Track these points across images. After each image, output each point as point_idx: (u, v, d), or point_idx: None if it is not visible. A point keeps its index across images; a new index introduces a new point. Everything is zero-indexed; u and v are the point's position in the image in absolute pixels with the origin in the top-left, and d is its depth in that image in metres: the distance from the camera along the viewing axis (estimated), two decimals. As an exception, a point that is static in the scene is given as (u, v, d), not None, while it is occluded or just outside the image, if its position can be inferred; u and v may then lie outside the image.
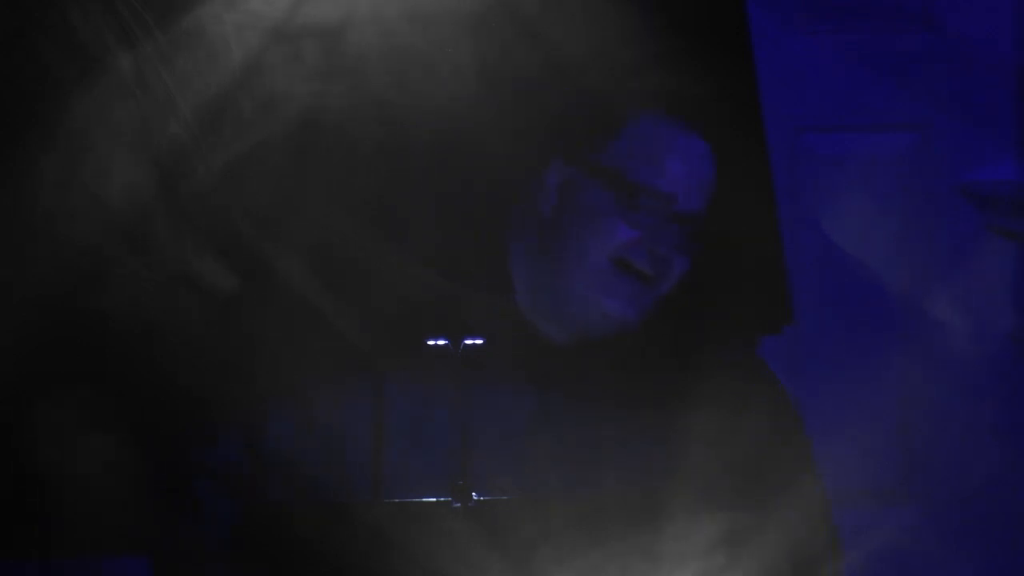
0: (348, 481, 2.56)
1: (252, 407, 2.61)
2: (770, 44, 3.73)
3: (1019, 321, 3.76)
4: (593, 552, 2.54)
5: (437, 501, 2.56)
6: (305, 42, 2.73)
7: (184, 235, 2.72)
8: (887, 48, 3.80)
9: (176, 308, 2.72)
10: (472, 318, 2.62)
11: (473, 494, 2.56)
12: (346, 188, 2.72)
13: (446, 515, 2.55)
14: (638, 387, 2.64)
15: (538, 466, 2.58)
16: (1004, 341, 3.77)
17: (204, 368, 2.64)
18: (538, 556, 2.54)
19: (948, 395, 3.80)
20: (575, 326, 2.59)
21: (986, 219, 3.79)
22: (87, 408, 2.77)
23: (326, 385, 2.61)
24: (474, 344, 2.62)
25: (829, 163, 3.82)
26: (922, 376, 3.80)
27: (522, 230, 2.63)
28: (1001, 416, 3.80)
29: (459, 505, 2.55)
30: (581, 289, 2.54)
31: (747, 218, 2.93)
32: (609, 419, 2.62)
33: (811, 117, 3.82)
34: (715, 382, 2.61)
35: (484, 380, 2.61)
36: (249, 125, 2.73)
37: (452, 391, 2.60)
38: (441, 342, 2.62)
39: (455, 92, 2.64)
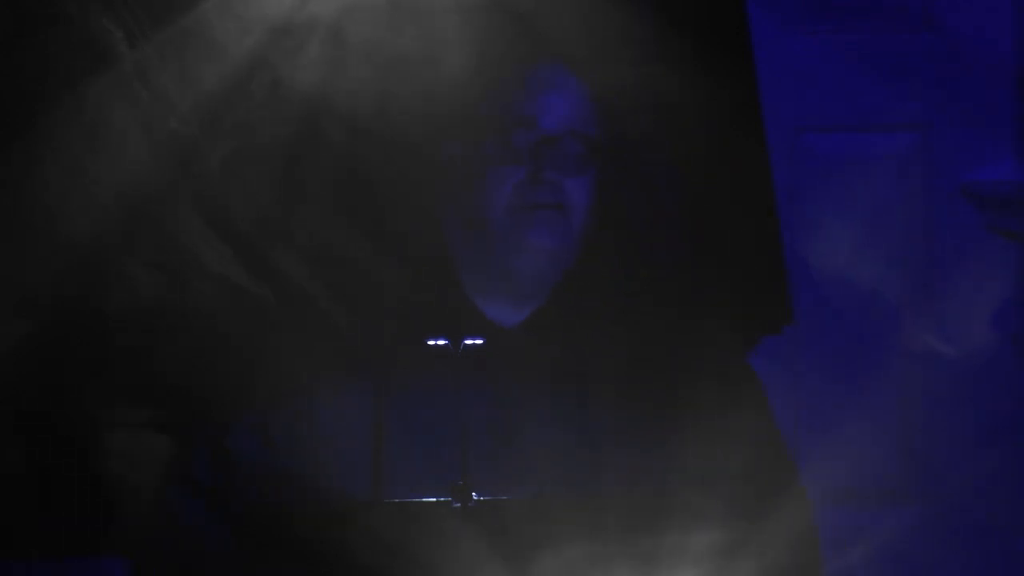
0: (348, 481, 2.56)
1: (252, 407, 2.61)
2: (770, 44, 3.72)
3: (1020, 321, 3.75)
4: (592, 552, 2.53)
5: (437, 501, 2.56)
6: (300, 38, 2.73)
7: (185, 234, 2.72)
8: (887, 48, 3.80)
9: (175, 308, 2.71)
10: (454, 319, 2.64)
11: (473, 494, 2.56)
12: (343, 187, 2.72)
13: (446, 515, 2.55)
14: (636, 389, 2.64)
15: (538, 466, 2.58)
16: (1004, 341, 3.77)
17: (203, 368, 2.64)
18: (538, 556, 2.54)
19: (948, 395, 3.79)
20: (513, 285, 2.62)
21: (986, 219, 3.78)
22: (81, 408, 2.77)
23: (326, 385, 2.61)
24: (474, 344, 2.62)
25: (829, 163, 3.82)
26: (922, 376, 3.80)
27: (449, 218, 2.66)
28: (1001, 416, 3.80)
29: (459, 505, 2.55)
30: (502, 242, 2.58)
31: (747, 218, 2.93)
32: (606, 421, 2.62)
33: (811, 117, 3.82)
34: (705, 387, 2.62)
35: (484, 379, 2.62)
36: (248, 124, 2.73)
37: (452, 391, 2.61)
38: (441, 342, 2.62)
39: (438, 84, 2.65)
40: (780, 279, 3.16)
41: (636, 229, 2.76)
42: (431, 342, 2.62)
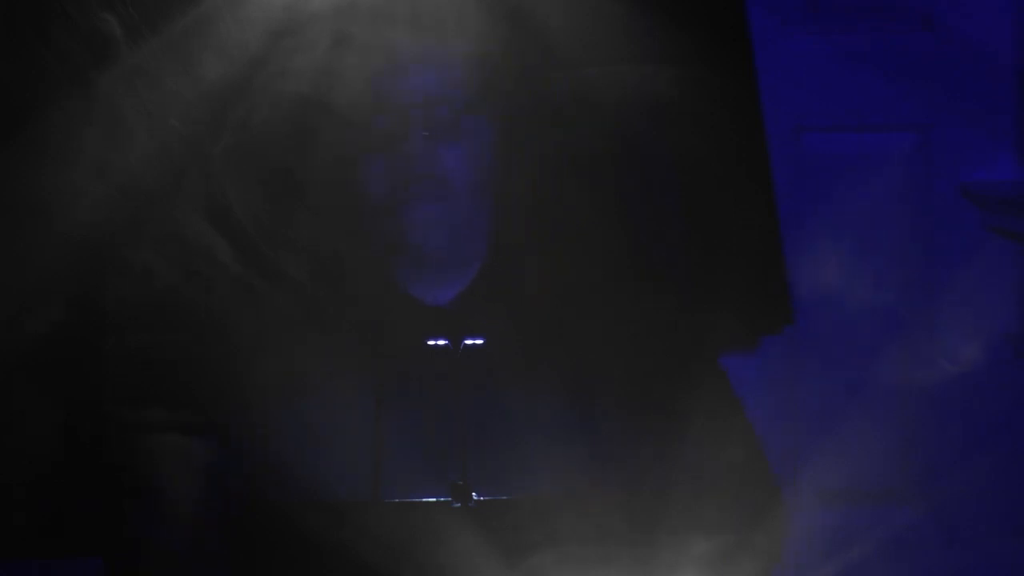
0: (348, 481, 2.56)
1: (252, 406, 2.61)
2: (770, 44, 3.72)
3: (1019, 321, 3.75)
4: (592, 552, 2.53)
5: (437, 501, 2.56)
6: (300, 36, 2.73)
7: (186, 229, 2.71)
8: (887, 48, 3.80)
9: (175, 305, 2.71)
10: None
11: (473, 494, 2.56)
12: (344, 184, 2.72)
13: (446, 515, 2.55)
14: (634, 389, 2.64)
15: (537, 466, 2.58)
16: (1004, 341, 3.77)
17: (204, 366, 2.63)
18: (537, 555, 2.54)
19: (948, 395, 3.79)
20: (422, 261, 2.63)
21: (986, 219, 3.78)
22: (73, 406, 2.76)
23: (326, 385, 2.60)
24: (474, 344, 2.62)
25: (829, 163, 3.82)
26: (922, 376, 3.80)
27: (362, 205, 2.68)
28: (1000, 415, 3.80)
29: (459, 505, 2.55)
30: (392, 220, 2.59)
31: (747, 218, 2.93)
32: (604, 422, 2.62)
33: (811, 117, 3.81)
34: (705, 387, 2.62)
35: (484, 380, 2.61)
36: (250, 121, 2.72)
37: (452, 391, 2.61)
38: (441, 342, 2.62)
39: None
40: (780, 279, 3.16)
41: (635, 228, 2.75)
42: (431, 342, 2.62)
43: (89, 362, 2.77)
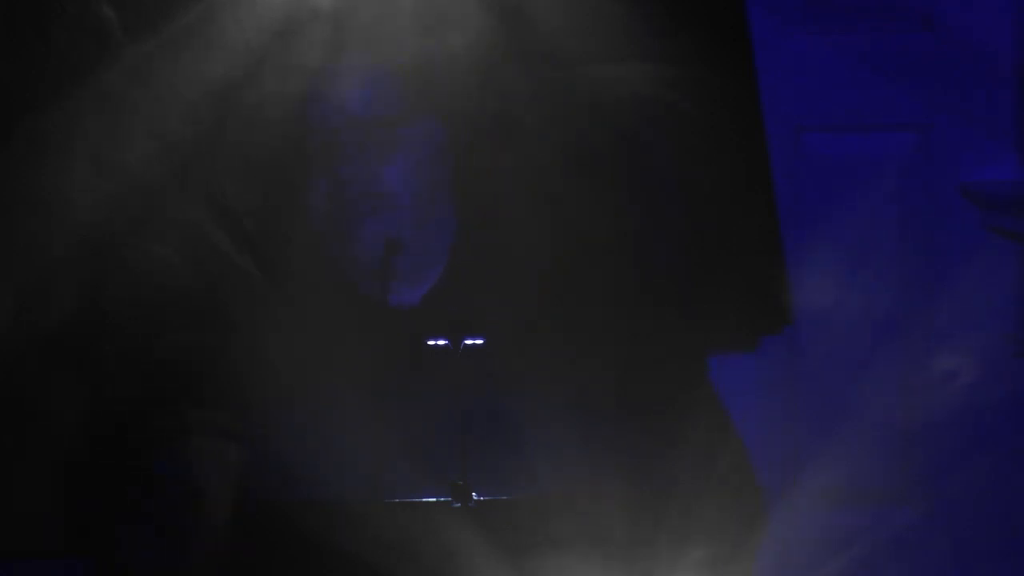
0: (348, 481, 2.56)
1: (252, 406, 2.61)
2: (770, 44, 3.72)
3: (1019, 321, 3.75)
4: (591, 551, 2.53)
5: (437, 501, 2.56)
6: (302, 34, 2.73)
7: (185, 232, 2.71)
8: (887, 48, 3.80)
9: (175, 305, 2.71)
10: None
11: (473, 494, 2.56)
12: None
13: (446, 515, 2.55)
14: (634, 390, 2.64)
15: (537, 466, 2.58)
16: (1003, 340, 3.77)
17: (205, 366, 2.63)
18: (537, 555, 2.54)
19: (948, 394, 3.79)
20: (377, 270, 2.63)
21: (986, 219, 3.78)
22: (72, 405, 2.76)
23: (327, 385, 2.61)
24: (474, 344, 2.62)
25: (829, 163, 3.82)
26: (922, 375, 3.80)
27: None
28: (1000, 414, 3.80)
29: (459, 505, 2.55)
30: (341, 236, 2.59)
31: (747, 218, 2.93)
32: (603, 423, 2.62)
33: (811, 117, 3.82)
34: (705, 387, 2.62)
35: (484, 380, 2.62)
36: (250, 119, 2.73)
37: (452, 391, 2.61)
38: (441, 342, 2.62)
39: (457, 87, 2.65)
40: (780, 279, 3.16)
41: (635, 229, 2.75)
42: (431, 342, 2.62)
43: (90, 362, 2.77)
